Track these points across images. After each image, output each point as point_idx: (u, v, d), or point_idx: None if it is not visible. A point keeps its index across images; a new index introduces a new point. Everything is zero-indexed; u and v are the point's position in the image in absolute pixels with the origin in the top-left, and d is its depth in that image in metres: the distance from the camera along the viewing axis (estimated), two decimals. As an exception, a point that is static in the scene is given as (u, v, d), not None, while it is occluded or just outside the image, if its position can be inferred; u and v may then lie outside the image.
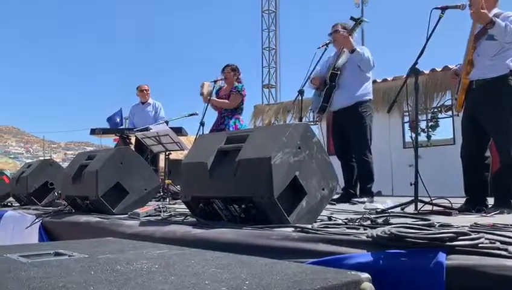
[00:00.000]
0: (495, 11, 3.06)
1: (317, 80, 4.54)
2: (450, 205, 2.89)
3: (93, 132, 6.86)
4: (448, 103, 8.45)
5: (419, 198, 2.93)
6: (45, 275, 1.11)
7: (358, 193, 4.34)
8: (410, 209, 2.89)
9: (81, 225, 3.03)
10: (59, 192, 4.38)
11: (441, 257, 1.24)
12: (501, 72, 2.97)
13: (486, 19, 2.87)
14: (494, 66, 2.98)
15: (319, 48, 4.48)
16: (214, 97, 5.52)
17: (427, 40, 3.14)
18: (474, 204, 3.01)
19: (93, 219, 3.04)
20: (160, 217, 2.79)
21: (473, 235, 1.32)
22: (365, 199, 4.07)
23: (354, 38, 4.46)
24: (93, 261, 1.32)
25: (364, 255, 1.38)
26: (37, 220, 3.40)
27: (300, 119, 4.83)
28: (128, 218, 2.90)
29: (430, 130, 9.06)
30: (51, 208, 4.07)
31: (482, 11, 2.85)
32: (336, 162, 3.41)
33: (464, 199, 3.16)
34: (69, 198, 3.73)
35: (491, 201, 3.08)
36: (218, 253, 1.46)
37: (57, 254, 1.47)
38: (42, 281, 1.04)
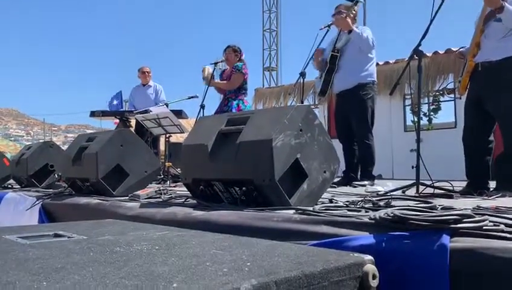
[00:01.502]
0: None
1: (319, 52, 4.48)
2: (451, 188, 2.87)
3: (93, 114, 6.82)
4: (451, 86, 8.40)
5: (420, 181, 2.91)
6: (44, 256, 1.10)
7: (359, 176, 4.33)
8: (411, 192, 2.88)
9: (81, 207, 3.03)
10: (59, 174, 4.38)
11: (445, 239, 1.22)
12: (507, 54, 2.93)
13: (497, 4, 2.83)
14: (501, 48, 2.93)
15: (321, 29, 4.42)
16: (217, 80, 5.46)
17: (431, 21, 3.08)
18: (475, 187, 2.99)
19: (93, 200, 3.03)
20: (160, 199, 2.78)
21: (478, 218, 1.30)
22: (366, 182, 4.06)
23: (356, 18, 4.40)
24: (92, 242, 1.31)
25: (367, 237, 1.36)
26: (37, 202, 3.40)
27: (302, 102, 4.79)
28: (128, 200, 2.89)
29: (431, 113, 9.03)
30: (51, 190, 4.07)
31: None
32: (337, 145, 3.39)
33: (465, 182, 3.15)
34: (69, 180, 3.73)
35: (491, 185, 3.07)
36: (218, 235, 1.44)
37: (56, 236, 1.47)
38: (41, 262, 1.03)
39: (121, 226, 1.73)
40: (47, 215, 3.30)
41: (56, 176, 4.55)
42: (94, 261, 1.04)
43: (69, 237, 1.42)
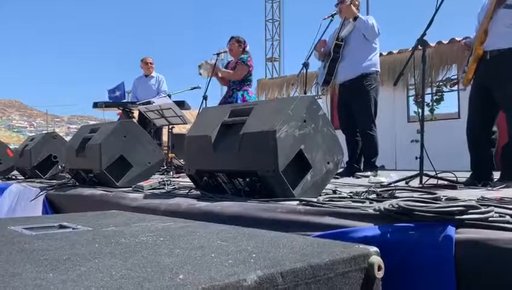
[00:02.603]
0: None
1: (322, 43, 4.44)
2: (455, 178, 2.86)
3: (96, 105, 6.83)
4: (454, 76, 8.33)
5: (424, 172, 2.90)
6: (49, 247, 1.10)
7: (362, 166, 4.32)
8: (414, 183, 2.87)
9: (85, 198, 3.04)
10: (63, 165, 4.39)
11: (450, 230, 1.22)
12: None
13: None
14: (510, 35, 2.89)
15: (325, 19, 4.40)
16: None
17: (436, 10, 3.05)
18: (479, 178, 2.98)
19: (97, 191, 3.04)
20: (164, 190, 2.79)
21: (483, 209, 1.30)
22: (369, 173, 4.06)
23: (359, 9, 4.38)
24: (97, 234, 1.31)
25: (371, 229, 1.36)
26: (41, 193, 3.41)
27: (305, 93, 4.77)
28: (132, 191, 2.90)
29: (434, 104, 8.98)
30: (54, 181, 4.09)
31: None
32: (340, 136, 3.38)
33: (469, 173, 3.13)
34: (73, 171, 3.73)
35: (496, 175, 3.05)
36: (223, 226, 1.44)
37: (61, 227, 1.47)
38: (46, 253, 1.03)
39: (126, 217, 1.73)
40: (51, 206, 3.31)
41: (60, 167, 4.56)
42: (99, 252, 1.04)
43: (74, 229, 1.42)
